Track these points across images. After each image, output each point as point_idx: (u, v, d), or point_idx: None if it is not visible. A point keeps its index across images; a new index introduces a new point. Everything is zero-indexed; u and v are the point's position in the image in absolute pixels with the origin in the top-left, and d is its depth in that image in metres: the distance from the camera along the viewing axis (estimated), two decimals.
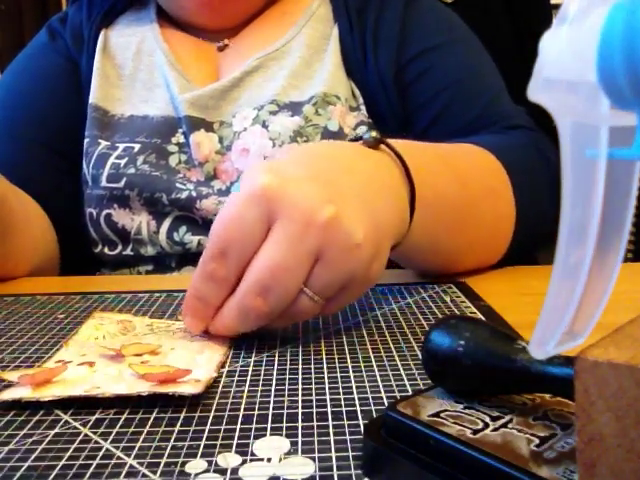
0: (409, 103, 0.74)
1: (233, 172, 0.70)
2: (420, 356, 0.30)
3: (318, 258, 0.38)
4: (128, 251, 0.72)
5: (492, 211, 0.58)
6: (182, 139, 0.73)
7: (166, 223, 0.70)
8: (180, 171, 0.71)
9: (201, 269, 0.40)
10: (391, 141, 0.47)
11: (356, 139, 0.48)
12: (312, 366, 0.38)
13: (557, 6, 1.19)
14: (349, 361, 0.38)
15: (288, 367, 0.38)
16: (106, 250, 0.73)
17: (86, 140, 0.74)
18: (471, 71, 0.75)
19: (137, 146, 0.72)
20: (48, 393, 0.33)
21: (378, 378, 0.36)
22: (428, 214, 0.49)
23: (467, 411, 0.26)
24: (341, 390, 0.34)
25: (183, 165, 0.71)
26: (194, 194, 0.69)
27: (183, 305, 0.41)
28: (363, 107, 0.74)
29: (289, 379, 0.36)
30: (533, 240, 0.64)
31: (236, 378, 0.36)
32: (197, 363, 0.37)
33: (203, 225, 0.69)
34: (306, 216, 0.38)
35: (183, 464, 0.27)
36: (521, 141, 0.68)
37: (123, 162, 0.71)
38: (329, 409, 0.32)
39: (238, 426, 0.31)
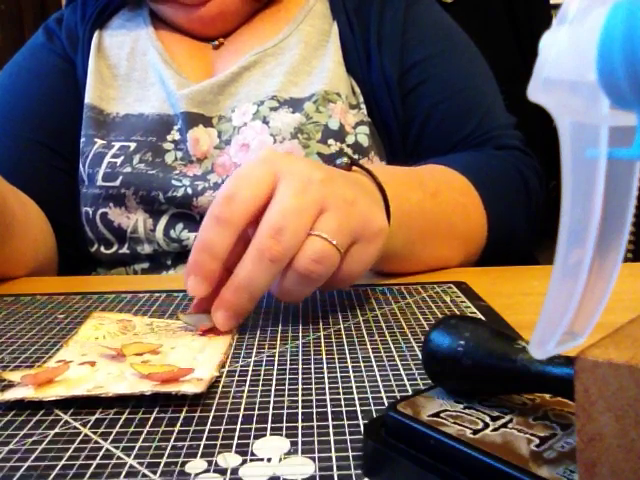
0: (407, 110, 0.76)
1: (230, 166, 0.71)
2: (420, 356, 0.30)
3: (322, 209, 0.42)
4: (124, 249, 0.72)
5: (461, 223, 0.62)
6: (178, 136, 0.73)
7: (163, 221, 0.70)
8: (176, 168, 0.71)
9: (207, 217, 0.42)
10: (363, 163, 0.53)
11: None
12: (312, 366, 0.38)
13: (557, 6, 1.19)
14: (349, 361, 0.38)
15: (288, 367, 0.38)
16: (102, 249, 0.73)
17: (82, 139, 0.75)
18: (467, 83, 0.77)
19: (133, 145, 0.72)
20: (51, 393, 0.33)
21: (378, 378, 0.36)
22: (404, 222, 0.53)
23: (467, 411, 0.26)
24: (341, 390, 0.34)
25: (179, 162, 0.71)
26: (190, 191, 0.69)
27: (187, 265, 0.42)
28: (363, 105, 0.75)
29: (289, 379, 0.36)
30: (503, 248, 0.68)
31: (236, 378, 0.36)
32: (198, 362, 0.37)
33: (200, 221, 0.69)
34: (305, 175, 0.43)
35: (183, 464, 0.27)
36: (502, 162, 0.71)
37: (119, 161, 0.71)
38: (329, 409, 0.32)
39: (238, 426, 0.31)
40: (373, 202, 0.47)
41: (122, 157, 0.71)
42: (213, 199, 0.69)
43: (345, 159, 0.51)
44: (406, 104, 0.75)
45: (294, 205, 0.41)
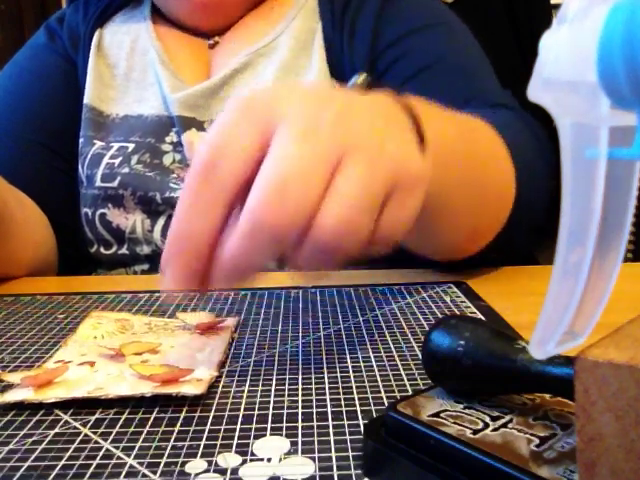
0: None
1: None
2: (420, 356, 0.30)
3: (341, 156, 0.32)
4: (124, 250, 0.72)
5: (495, 172, 0.52)
6: (176, 138, 0.73)
7: (160, 221, 0.70)
8: (174, 171, 0.71)
9: (185, 191, 0.32)
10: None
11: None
12: (312, 366, 0.38)
13: (557, 6, 1.19)
14: (349, 361, 0.38)
15: (288, 367, 0.38)
16: (102, 250, 0.73)
17: (81, 140, 0.75)
18: (448, 53, 0.70)
19: (131, 146, 0.72)
20: (51, 395, 0.33)
21: (378, 378, 0.36)
22: (441, 161, 0.41)
23: (467, 411, 0.26)
24: (341, 390, 0.34)
25: (177, 164, 0.71)
26: None
27: (164, 252, 0.33)
28: None
29: (289, 379, 0.36)
30: (531, 215, 0.59)
31: (236, 378, 0.36)
32: (198, 361, 0.37)
33: None
34: (311, 113, 0.32)
35: (183, 464, 0.27)
36: (509, 118, 0.62)
37: (117, 162, 0.71)
38: (329, 409, 0.32)
39: (238, 426, 0.31)
40: (405, 137, 0.36)
41: (120, 158, 0.71)
42: None
43: (363, 76, 0.41)
44: (380, 86, 0.71)
45: (299, 155, 0.31)
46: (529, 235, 0.62)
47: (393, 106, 0.39)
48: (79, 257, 0.75)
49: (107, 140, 0.73)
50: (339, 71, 0.73)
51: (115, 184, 0.70)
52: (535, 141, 0.61)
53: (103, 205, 0.71)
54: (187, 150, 0.71)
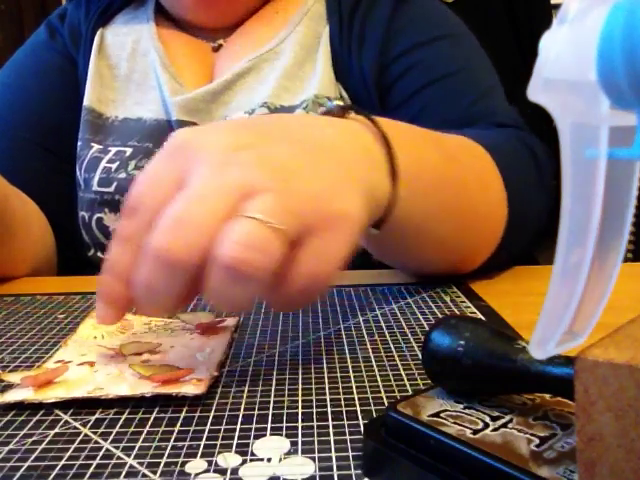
0: (389, 103, 0.71)
1: None
2: (420, 356, 0.30)
3: (251, 187, 0.32)
4: None
5: (482, 196, 0.52)
6: None
7: None
8: None
9: (116, 229, 0.35)
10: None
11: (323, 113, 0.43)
12: (312, 366, 0.38)
13: (557, 6, 1.19)
14: (349, 361, 0.38)
15: (288, 367, 0.38)
16: (99, 254, 0.73)
17: (79, 143, 0.74)
18: (459, 67, 0.70)
19: (129, 150, 0.71)
20: (51, 395, 0.33)
21: (378, 378, 0.36)
22: (412, 188, 0.42)
23: (467, 411, 0.26)
24: (341, 390, 0.34)
25: None
26: None
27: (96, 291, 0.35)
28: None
29: (289, 379, 0.36)
30: (525, 237, 0.60)
31: (236, 378, 0.36)
32: (198, 361, 0.37)
33: None
34: (223, 144, 0.33)
35: (183, 464, 0.27)
36: (508, 138, 0.63)
37: (114, 166, 0.70)
38: (329, 409, 0.32)
39: (238, 426, 0.31)
40: (341, 171, 0.36)
41: (117, 162, 0.70)
42: None
43: (336, 102, 0.42)
44: (387, 99, 0.70)
45: (204, 188, 0.32)
46: (525, 249, 0.62)
47: (362, 136, 0.39)
48: (78, 260, 0.75)
49: (105, 143, 0.73)
50: (345, 75, 0.72)
51: (112, 189, 0.69)
52: (533, 164, 0.61)
53: (100, 210, 0.71)
54: None
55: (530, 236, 0.61)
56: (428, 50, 0.71)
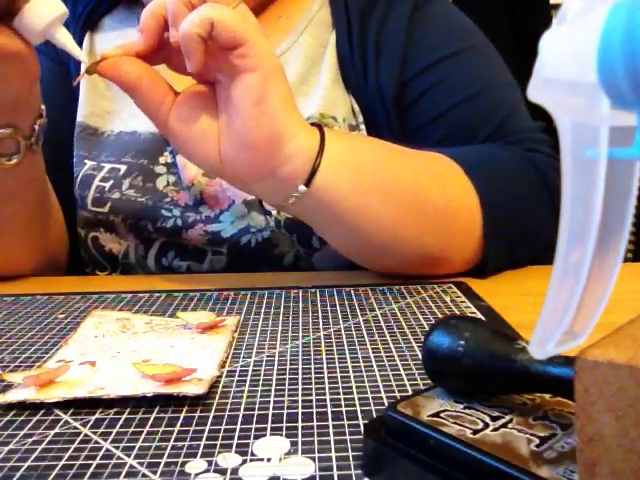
0: (410, 124, 0.68)
1: (225, 199, 0.65)
2: (420, 356, 0.30)
3: None
4: (118, 274, 0.70)
5: (435, 189, 0.55)
6: (170, 159, 0.69)
7: (154, 248, 0.68)
8: (168, 194, 0.67)
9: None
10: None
11: None
12: (312, 366, 0.38)
13: (557, 6, 1.19)
14: (349, 361, 0.38)
15: (288, 367, 0.38)
16: (97, 272, 0.72)
17: (74, 160, 0.72)
18: (482, 85, 0.68)
19: (123, 168, 0.69)
20: (53, 394, 0.33)
21: (378, 378, 0.36)
22: (337, 165, 0.50)
23: (467, 411, 0.26)
24: (341, 390, 0.34)
25: (171, 187, 0.68)
26: (180, 223, 0.66)
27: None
28: (363, 126, 0.68)
29: (289, 379, 0.36)
30: (524, 246, 0.61)
31: (236, 378, 0.36)
32: (200, 360, 0.37)
33: (193, 250, 0.67)
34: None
35: (183, 464, 0.27)
36: (507, 153, 0.62)
37: (108, 185, 0.68)
38: (329, 409, 0.32)
39: (238, 426, 0.31)
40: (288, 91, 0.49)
41: (111, 181, 0.68)
42: (203, 234, 0.65)
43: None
44: (409, 118, 0.68)
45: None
46: (529, 258, 0.62)
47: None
48: (80, 274, 0.74)
49: (99, 159, 0.71)
50: (358, 87, 0.69)
51: (106, 209, 0.68)
52: (538, 180, 0.61)
53: (95, 229, 0.70)
54: (182, 172, 0.67)
55: (531, 246, 0.61)
56: (450, 67, 0.68)
